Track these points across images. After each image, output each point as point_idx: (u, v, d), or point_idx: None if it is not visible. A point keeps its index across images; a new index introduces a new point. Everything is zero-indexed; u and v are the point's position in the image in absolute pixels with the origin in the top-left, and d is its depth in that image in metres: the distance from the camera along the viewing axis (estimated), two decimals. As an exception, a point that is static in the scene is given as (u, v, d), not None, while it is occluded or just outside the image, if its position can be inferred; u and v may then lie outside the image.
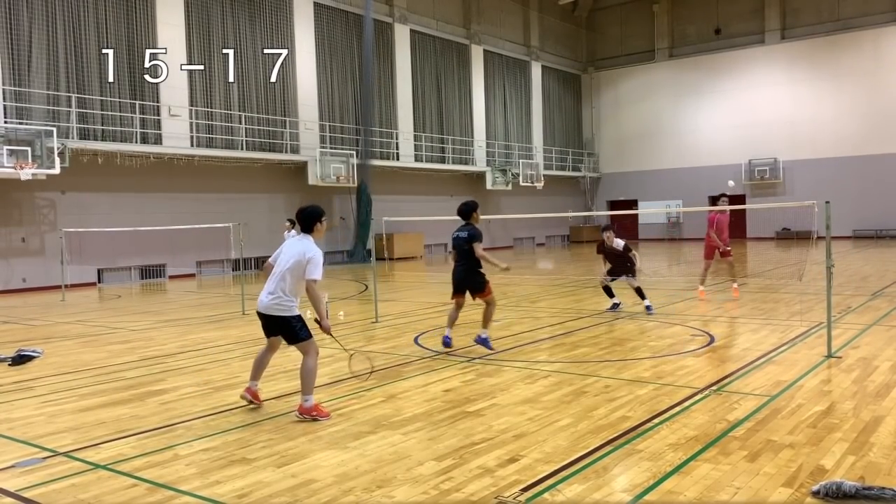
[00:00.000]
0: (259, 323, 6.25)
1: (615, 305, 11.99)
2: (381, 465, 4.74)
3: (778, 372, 7.08)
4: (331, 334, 6.09)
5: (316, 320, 5.93)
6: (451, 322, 8.88)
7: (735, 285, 13.42)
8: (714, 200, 13.38)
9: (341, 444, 5.22)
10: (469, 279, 8.64)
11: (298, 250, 5.92)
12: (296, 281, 5.91)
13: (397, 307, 13.36)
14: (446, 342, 8.78)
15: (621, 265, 12.07)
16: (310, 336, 5.94)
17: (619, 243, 11.85)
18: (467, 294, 8.78)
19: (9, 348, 9.65)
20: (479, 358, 8.24)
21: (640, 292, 11.77)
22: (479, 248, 8.49)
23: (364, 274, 21.23)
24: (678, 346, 8.77)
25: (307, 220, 6.10)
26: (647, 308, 11.54)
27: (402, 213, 26.50)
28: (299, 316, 5.94)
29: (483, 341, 8.53)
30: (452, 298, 8.91)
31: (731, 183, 22.02)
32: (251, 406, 6.30)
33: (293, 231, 16.04)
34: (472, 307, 9.13)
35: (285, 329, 5.95)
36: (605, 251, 12.15)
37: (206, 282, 21.49)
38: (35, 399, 7.00)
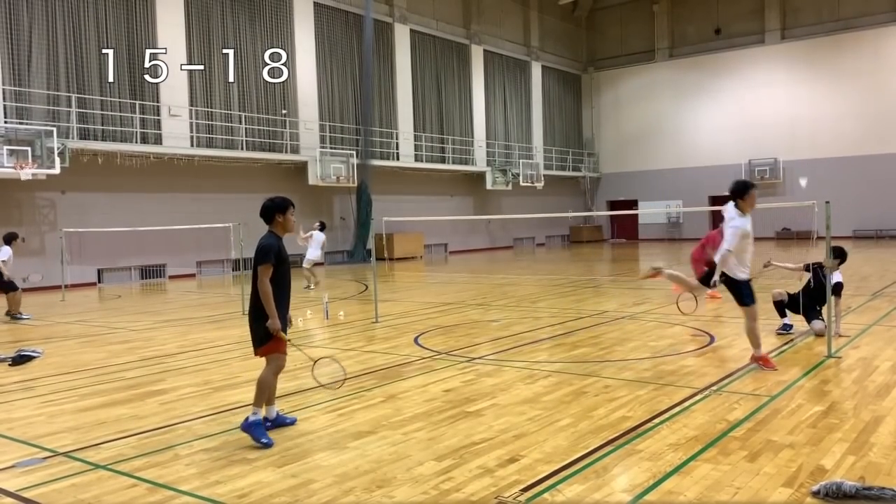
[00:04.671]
0: None
1: (788, 326, 9.13)
2: (381, 465, 4.74)
3: (778, 372, 7.07)
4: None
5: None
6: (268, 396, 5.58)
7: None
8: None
9: (341, 444, 5.22)
10: (251, 323, 5.61)
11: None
12: (738, 252, 7.07)
13: (397, 307, 13.36)
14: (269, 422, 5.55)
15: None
16: (754, 302, 7.16)
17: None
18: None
19: (9, 348, 9.66)
20: (479, 358, 8.24)
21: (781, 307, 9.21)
22: (263, 278, 5.28)
23: (364, 274, 21.23)
24: (678, 346, 8.77)
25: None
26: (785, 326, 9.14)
27: (402, 213, 26.50)
28: (748, 282, 7.14)
29: (250, 426, 5.30)
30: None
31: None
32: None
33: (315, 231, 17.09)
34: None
35: (735, 289, 7.23)
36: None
37: (206, 282, 21.48)
38: (35, 399, 7.00)
